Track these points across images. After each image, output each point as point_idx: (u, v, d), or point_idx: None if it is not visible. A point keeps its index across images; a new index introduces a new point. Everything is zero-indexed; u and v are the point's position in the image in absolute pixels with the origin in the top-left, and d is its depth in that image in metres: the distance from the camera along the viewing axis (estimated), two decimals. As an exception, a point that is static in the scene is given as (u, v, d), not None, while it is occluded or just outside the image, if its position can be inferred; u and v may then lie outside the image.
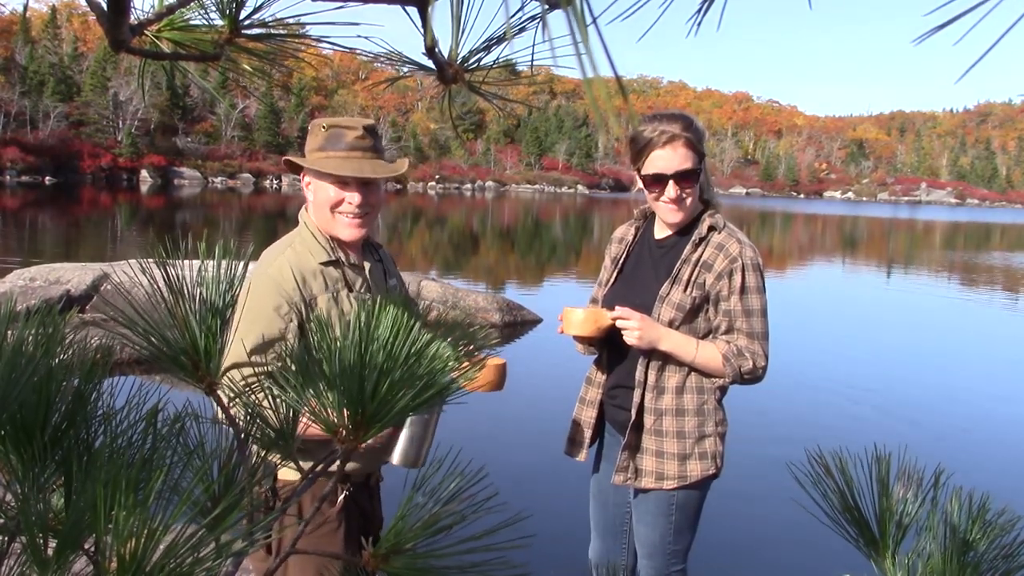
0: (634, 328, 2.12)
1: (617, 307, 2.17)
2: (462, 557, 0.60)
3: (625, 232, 2.43)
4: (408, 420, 1.72)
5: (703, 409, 2.22)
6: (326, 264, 1.87)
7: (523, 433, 5.19)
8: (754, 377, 2.19)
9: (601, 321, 2.15)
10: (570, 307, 2.20)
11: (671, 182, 2.15)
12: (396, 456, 1.77)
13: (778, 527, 4.09)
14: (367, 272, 1.96)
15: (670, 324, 2.17)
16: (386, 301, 0.65)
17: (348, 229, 1.91)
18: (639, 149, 2.18)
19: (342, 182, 1.88)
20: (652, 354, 2.19)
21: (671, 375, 2.20)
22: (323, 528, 1.84)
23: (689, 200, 2.19)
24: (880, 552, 0.64)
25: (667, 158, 2.14)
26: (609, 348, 2.34)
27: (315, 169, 1.89)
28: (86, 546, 0.50)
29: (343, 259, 1.91)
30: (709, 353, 2.16)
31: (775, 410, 6.12)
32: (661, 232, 2.32)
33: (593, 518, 2.52)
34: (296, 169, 1.94)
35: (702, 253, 2.19)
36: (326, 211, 1.90)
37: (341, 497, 1.85)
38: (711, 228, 2.21)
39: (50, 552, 0.49)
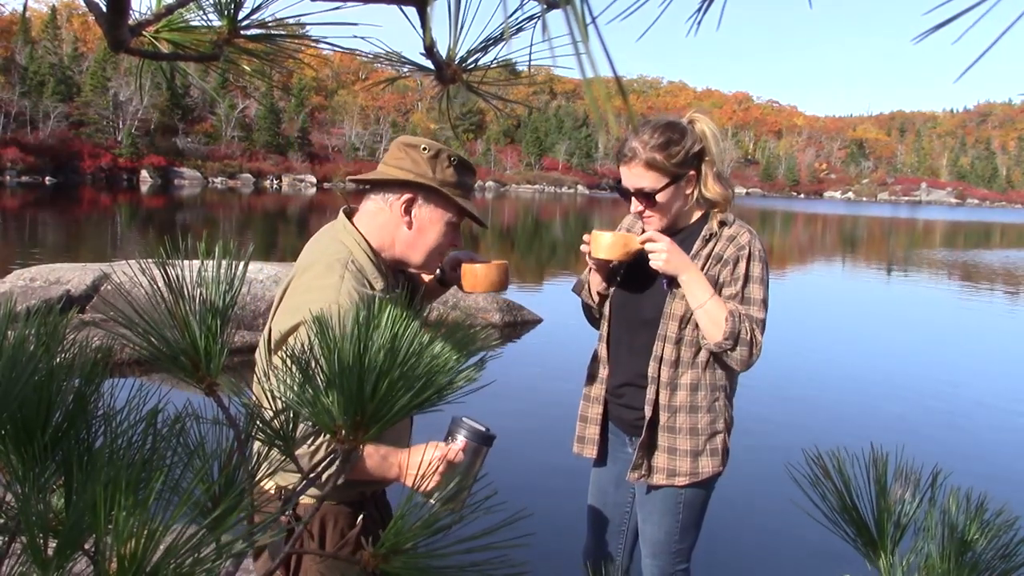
0: (662, 251, 2.10)
1: (647, 231, 2.18)
2: (461, 556, 0.60)
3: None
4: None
5: (715, 406, 2.22)
6: (383, 291, 1.79)
7: (522, 432, 5.19)
8: (744, 356, 2.11)
9: (630, 245, 2.15)
10: (599, 231, 2.20)
11: (633, 197, 2.20)
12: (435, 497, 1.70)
13: (779, 527, 4.09)
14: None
15: (682, 317, 2.18)
16: (386, 302, 0.65)
17: (435, 265, 1.87)
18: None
19: (456, 226, 1.83)
20: (664, 351, 2.20)
21: (684, 371, 2.21)
22: (344, 551, 1.80)
23: (658, 216, 2.20)
24: (879, 552, 0.64)
25: (626, 175, 2.19)
26: (613, 346, 2.36)
27: (466, 209, 1.80)
28: (86, 546, 0.50)
29: (391, 285, 1.85)
30: (718, 306, 2.11)
31: (773, 409, 6.12)
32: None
33: (590, 517, 2.52)
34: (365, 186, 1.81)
35: (713, 247, 2.20)
36: (430, 247, 1.82)
37: (360, 519, 1.81)
38: (722, 223, 2.22)
39: (50, 552, 0.49)
